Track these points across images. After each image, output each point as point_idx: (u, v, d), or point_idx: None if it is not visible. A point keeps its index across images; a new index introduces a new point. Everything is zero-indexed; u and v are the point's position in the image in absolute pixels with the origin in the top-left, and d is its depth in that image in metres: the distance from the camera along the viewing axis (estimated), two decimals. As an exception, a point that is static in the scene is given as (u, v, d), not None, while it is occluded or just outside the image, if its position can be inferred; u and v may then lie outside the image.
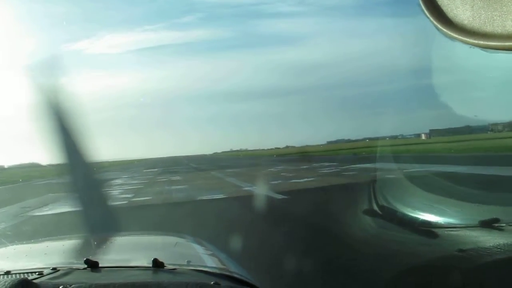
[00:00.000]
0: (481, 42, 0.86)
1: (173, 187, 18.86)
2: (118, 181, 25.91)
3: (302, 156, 50.46)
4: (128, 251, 2.19)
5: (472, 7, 0.88)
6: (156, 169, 43.03)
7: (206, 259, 1.91)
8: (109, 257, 1.84)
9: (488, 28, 0.85)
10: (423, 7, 0.95)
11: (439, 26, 0.92)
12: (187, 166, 48.41)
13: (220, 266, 1.78)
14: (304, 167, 28.32)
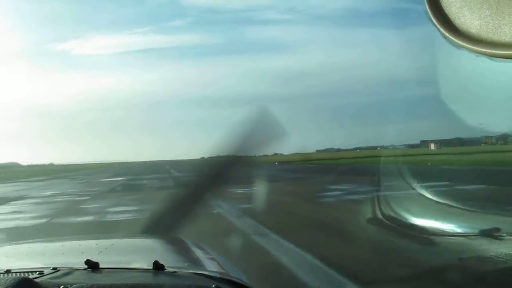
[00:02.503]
0: (488, 51, 0.87)
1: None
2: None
3: (316, 165, 42.19)
4: (128, 253, 2.19)
5: (480, 15, 0.88)
6: (118, 178, 32.74)
7: (207, 263, 1.91)
8: (109, 259, 1.83)
9: (496, 37, 0.85)
10: (430, 14, 0.95)
11: (446, 34, 0.92)
12: (167, 174, 36.99)
13: (221, 270, 1.78)
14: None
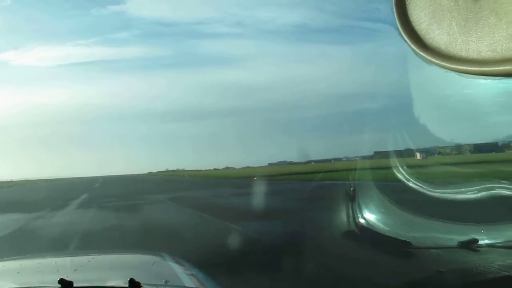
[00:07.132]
0: (458, 67, 0.88)
1: None
2: None
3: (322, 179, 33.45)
4: (104, 270, 2.14)
5: (448, 32, 0.90)
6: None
7: (184, 278, 1.88)
8: (85, 276, 1.79)
9: (464, 53, 0.87)
10: (401, 30, 0.97)
11: (416, 50, 0.94)
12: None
13: (199, 285, 1.75)
14: None
